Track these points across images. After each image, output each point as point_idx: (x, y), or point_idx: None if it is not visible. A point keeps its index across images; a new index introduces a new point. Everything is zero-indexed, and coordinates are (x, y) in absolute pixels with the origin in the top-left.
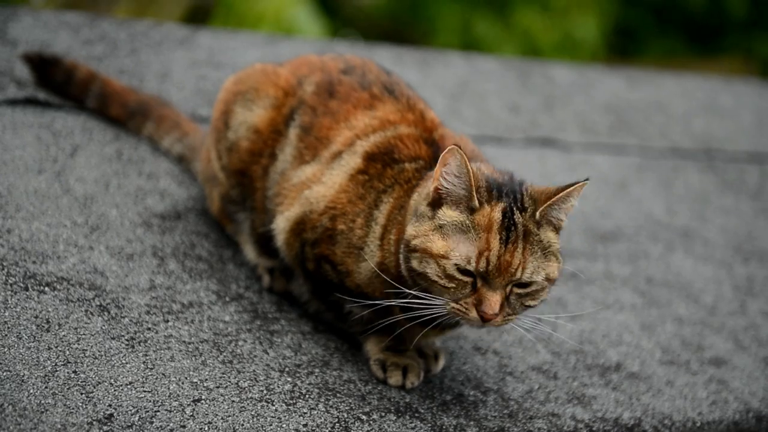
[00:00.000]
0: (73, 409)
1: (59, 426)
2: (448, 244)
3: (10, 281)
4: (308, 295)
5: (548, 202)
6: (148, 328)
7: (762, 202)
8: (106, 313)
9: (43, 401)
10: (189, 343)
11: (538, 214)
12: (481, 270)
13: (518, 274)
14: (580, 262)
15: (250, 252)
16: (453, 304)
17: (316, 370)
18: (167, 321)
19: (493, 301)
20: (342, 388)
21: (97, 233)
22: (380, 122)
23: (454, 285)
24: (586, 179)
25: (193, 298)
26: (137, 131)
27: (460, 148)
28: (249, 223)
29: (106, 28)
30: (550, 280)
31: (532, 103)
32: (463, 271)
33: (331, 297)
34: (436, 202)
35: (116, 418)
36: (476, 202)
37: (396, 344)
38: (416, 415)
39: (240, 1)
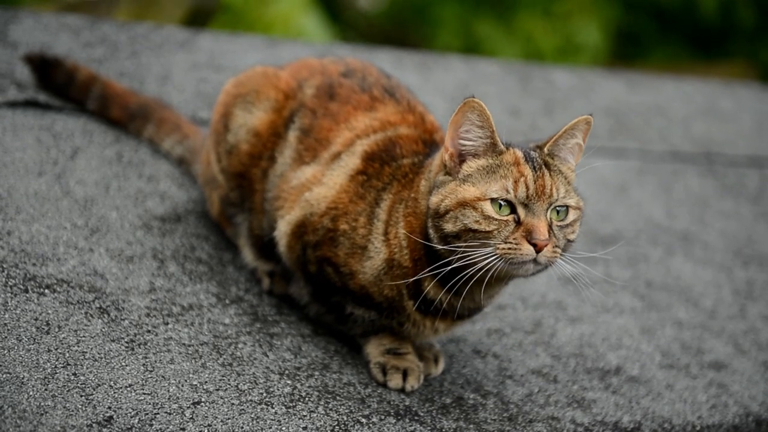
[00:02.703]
0: (72, 411)
1: (59, 428)
2: (480, 187)
3: (10, 283)
4: (308, 298)
5: (552, 139)
6: (148, 331)
7: (762, 206)
8: (105, 316)
9: (42, 403)
10: (189, 346)
11: (546, 149)
12: (521, 196)
13: (555, 195)
14: (580, 265)
15: (248, 255)
16: (503, 245)
17: (316, 373)
18: (167, 323)
19: (541, 226)
20: (342, 391)
21: (97, 235)
22: (380, 123)
23: (495, 225)
24: (590, 114)
25: (192, 301)
26: (138, 133)
27: (473, 97)
28: (247, 225)
29: (106, 30)
30: (579, 209)
31: (532, 106)
32: (503, 206)
33: (332, 299)
34: (454, 166)
35: (116, 421)
36: (501, 146)
37: (396, 346)
38: (416, 418)
39: (249, 8)
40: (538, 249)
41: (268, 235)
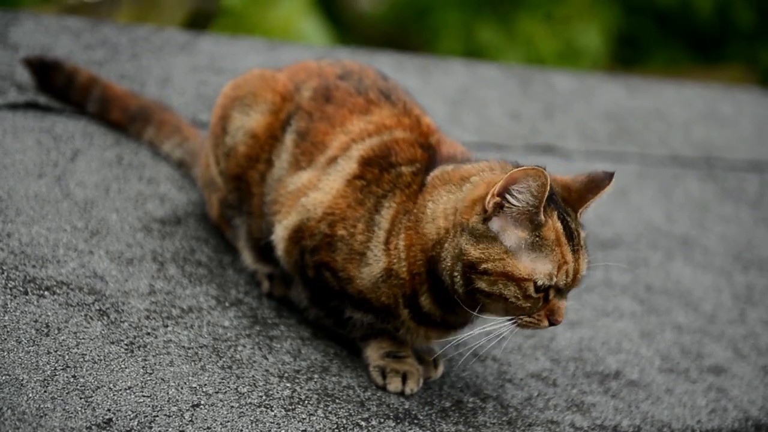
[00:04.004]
0: (72, 413)
1: (58, 430)
2: (528, 266)
3: (9, 285)
4: (307, 302)
5: (586, 205)
6: (148, 333)
7: (762, 211)
8: (105, 318)
9: (42, 405)
10: (188, 348)
11: (579, 216)
12: (560, 283)
13: (581, 278)
14: None
15: (247, 258)
16: (526, 319)
17: (316, 376)
18: (167, 326)
19: (563, 308)
20: (341, 394)
21: (97, 238)
22: (376, 127)
23: (530, 304)
24: (612, 173)
25: (192, 303)
26: (138, 136)
27: (544, 170)
28: (246, 228)
29: (107, 32)
30: None
31: (532, 110)
32: (540, 288)
33: (330, 303)
34: (492, 215)
35: (115, 423)
36: (542, 218)
37: (396, 350)
38: (415, 421)
39: (250, 12)
40: (552, 325)
41: (267, 238)
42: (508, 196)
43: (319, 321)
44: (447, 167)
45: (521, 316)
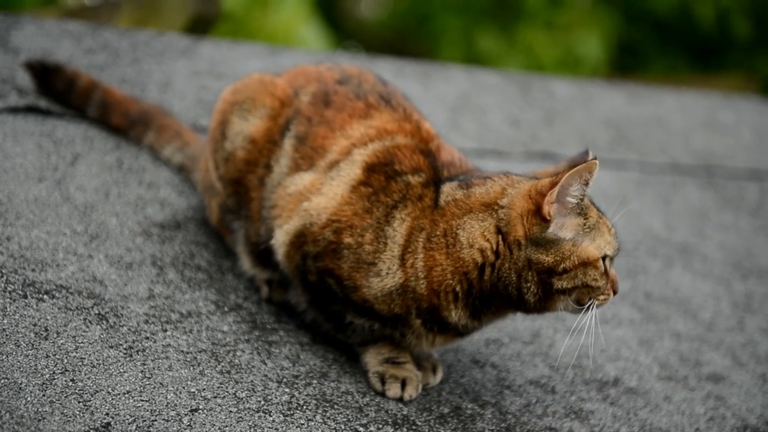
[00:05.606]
0: (70, 417)
1: None
2: (594, 245)
3: (9, 289)
4: (306, 305)
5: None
6: (147, 338)
7: (761, 219)
8: (104, 322)
9: (40, 409)
10: (187, 353)
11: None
12: (615, 250)
13: None
14: None
15: (245, 262)
16: (602, 297)
17: (314, 381)
18: (165, 330)
19: (616, 275)
20: (340, 399)
21: (97, 242)
22: (377, 132)
23: (604, 280)
24: (587, 150)
25: (191, 308)
26: (138, 140)
27: (595, 159)
28: (244, 232)
29: (108, 37)
30: None
31: (532, 117)
32: (605, 261)
33: (331, 308)
34: (551, 220)
35: (113, 427)
36: (587, 200)
37: (395, 355)
38: (414, 427)
39: (251, 18)
40: (614, 294)
41: (266, 242)
42: (568, 198)
43: (318, 325)
44: (456, 193)
45: (598, 297)
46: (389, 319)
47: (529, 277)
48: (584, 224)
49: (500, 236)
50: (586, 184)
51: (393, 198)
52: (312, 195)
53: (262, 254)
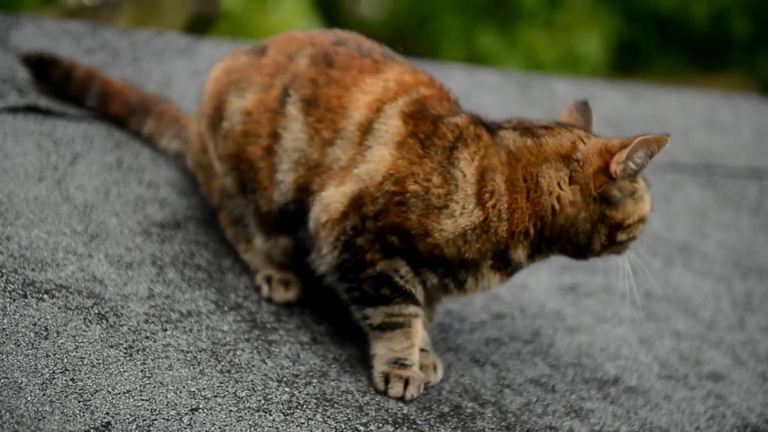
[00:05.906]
0: (70, 417)
1: None
2: (645, 204)
3: (8, 288)
4: (327, 268)
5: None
6: (147, 337)
7: (761, 218)
8: (104, 322)
9: (40, 409)
10: (187, 352)
11: None
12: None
13: None
14: (578, 275)
15: (259, 240)
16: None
17: (314, 381)
18: (165, 330)
19: None
20: (340, 398)
21: (97, 241)
22: (398, 85)
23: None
24: (583, 100)
25: (191, 307)
26: (138, 128)
27: (668, 135)
28: (254, 207)
29: (107, 36)
30: None
31: (532, 116)
32: None
33: (366, 272)
34: (617, 179)
35: (114, 427)
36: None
37: (404, 356)
38: (414, 426)
39: (250, 16)
40: None
41: (283, 204)
42: (629, 162)
43: (337, 292)
44: (525, 140)
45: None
46: (456, 264)
47: (601, 230)
48: (639, 187)
49: (576, 187)
50: (651, 156)
51: (448, 139)
52: (359, 164)
53: (279, 219)
